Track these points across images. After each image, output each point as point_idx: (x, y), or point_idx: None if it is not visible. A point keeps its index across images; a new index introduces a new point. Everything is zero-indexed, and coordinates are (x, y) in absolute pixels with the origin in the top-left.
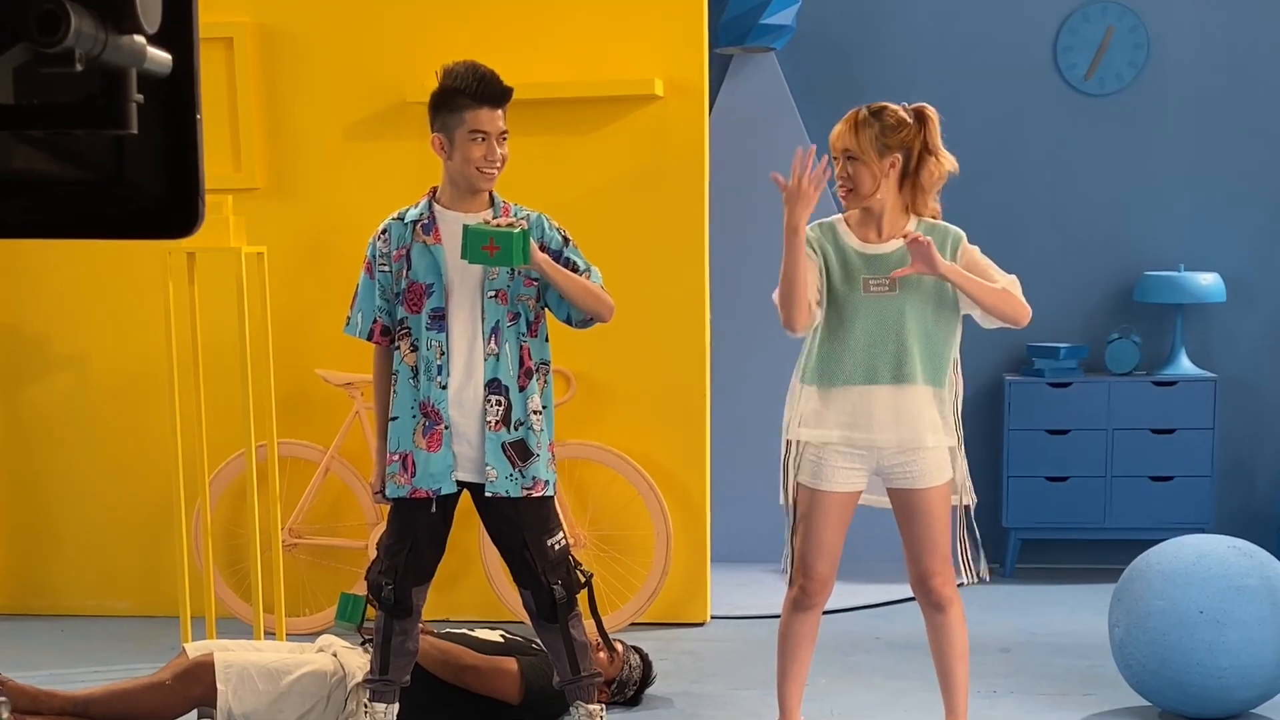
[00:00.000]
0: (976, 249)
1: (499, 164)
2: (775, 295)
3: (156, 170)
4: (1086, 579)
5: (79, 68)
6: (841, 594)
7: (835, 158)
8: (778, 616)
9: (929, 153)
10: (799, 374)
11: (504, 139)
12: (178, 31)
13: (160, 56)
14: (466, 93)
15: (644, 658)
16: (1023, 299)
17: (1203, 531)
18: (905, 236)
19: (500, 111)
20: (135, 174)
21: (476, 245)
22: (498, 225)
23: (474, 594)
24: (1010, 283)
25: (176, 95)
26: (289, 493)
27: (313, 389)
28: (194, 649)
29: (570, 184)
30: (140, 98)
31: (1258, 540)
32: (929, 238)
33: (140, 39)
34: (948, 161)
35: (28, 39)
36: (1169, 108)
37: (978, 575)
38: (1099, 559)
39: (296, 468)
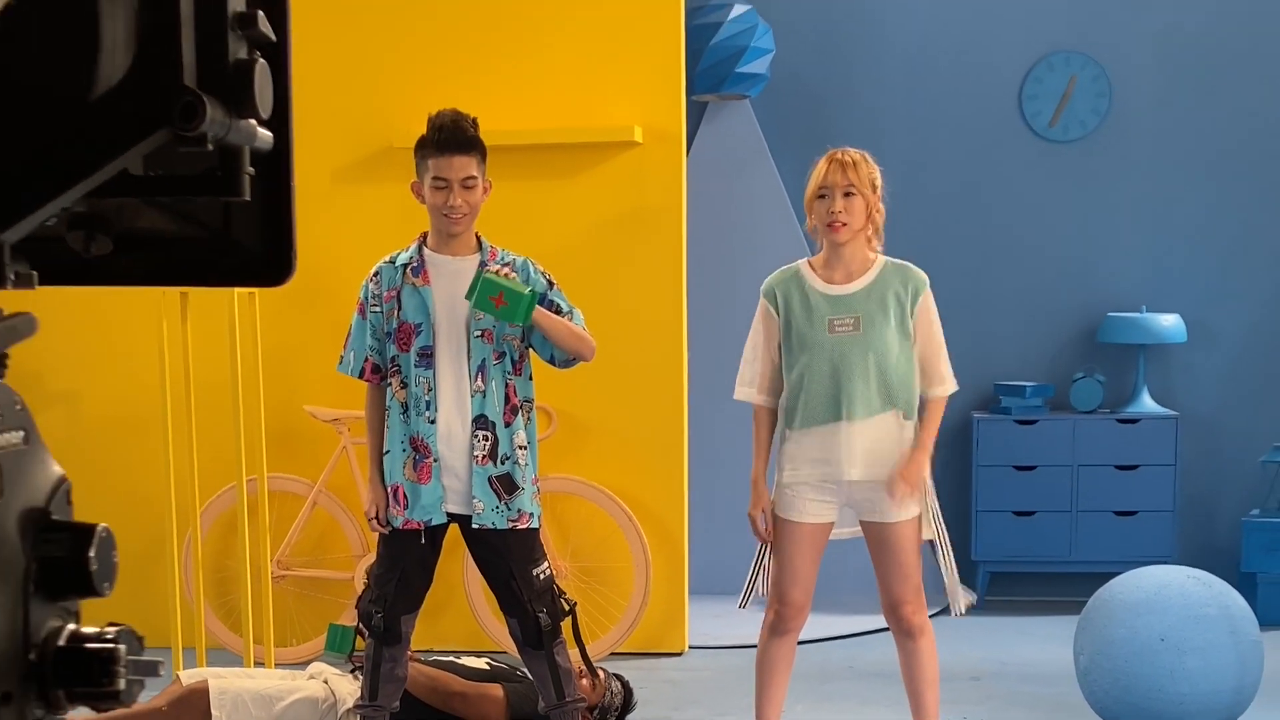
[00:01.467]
0: (934, 307)
1: (461, 210)
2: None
3: (257, 228)
4: (1053, 610)
5: (210, 148)
6: (816, 625)
7: (823, 195)
8: (754, 647)
9: (877, 194)
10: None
11: (469, 185)
12: (280, 114)
13: (266, 135)
14: (430, 142)
15: (625, 685)
16: (948, 387)
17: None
18: (892, 495)
19: (465, 159)
20: (239, 232)
21: (486, 294)
22: (512, 280)
23: (458, 624)
24: (941, 385)
25: (275, 167)
26: (277, 525)
27: (301, 425)
28: (188, 676)
29: (554, 226)
30: (252, 170)
31: (1218, 573)
32: (908, 485)
33: (254, 122)
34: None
35: (169, 125)
36: (1130, 154)
37: (960, 610)
38: (1065, 591)
39: (285, 501)
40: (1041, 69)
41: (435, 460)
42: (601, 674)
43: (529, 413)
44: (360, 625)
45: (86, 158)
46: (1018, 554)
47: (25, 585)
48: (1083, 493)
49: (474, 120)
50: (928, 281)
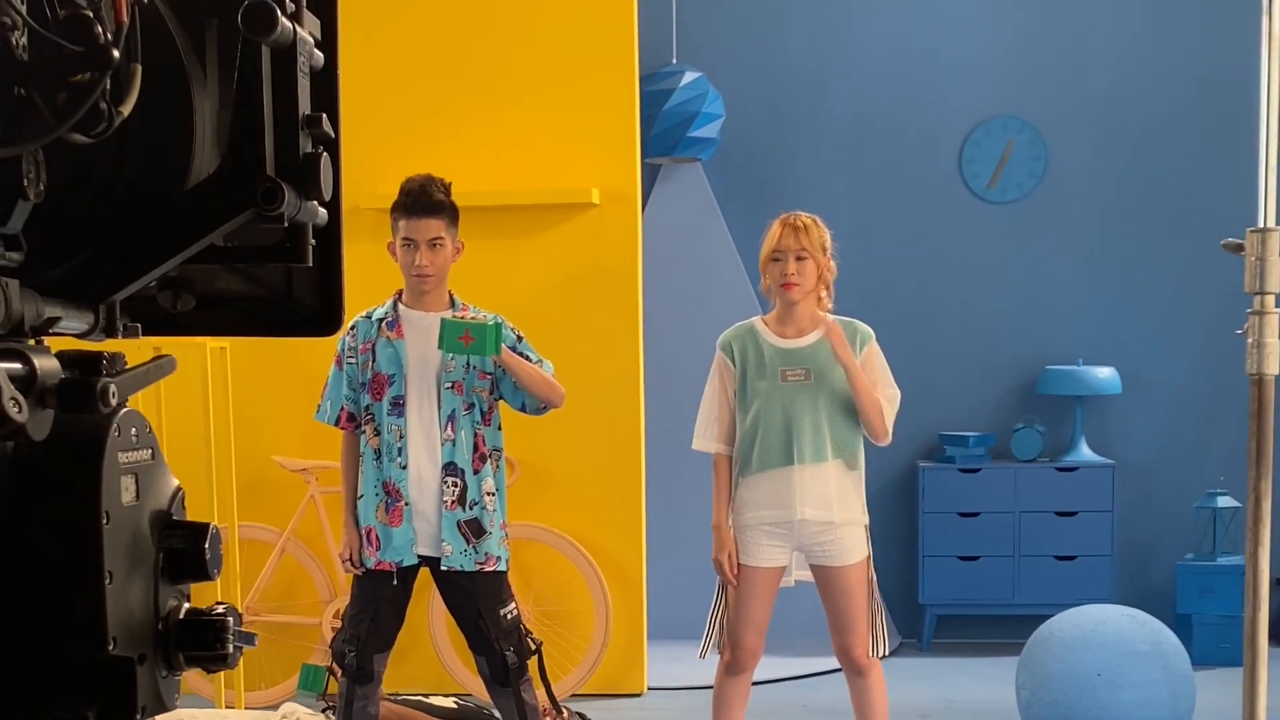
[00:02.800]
0: (880, 352)
1: (428, 270)
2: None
3: (313, 289)
4: (997, 651)
5: (285, 224)
6: (772, 666)
7: (777, 258)
8: (710, 688)
9: (827, 255)
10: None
11: (436, 245)
12: (334, 196)
13: (323, 213)
14: (401, 204)
15: None
16: (888, 422)
17: None
18: (824, 325)
19: (432, 221)
20: (299, 291)
21: (453, 336)
22: (471, 318)
23: (424, 667)
24: (888, 400)
25: (329, 238)
26: (246, 572)
27: (270, 474)
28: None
29: (518, 282)
30: (314, 242)
31: (1155, 614)
32: (839, 327)
33: (316, 203)
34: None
35: (254, 207)
36: (1066, 214)
37: (883, 649)
38: (1008, 633)
39: (254, 549)
40: (980, 133)
41: (406, 504)
42: (566, 712)
43: (497, 461)
44: (333, 665)
45: (185, 235)
46: (963, 597)
47: (155, 571)
48: (1024, 538)
49: (446, 185)
50: (873, 334)
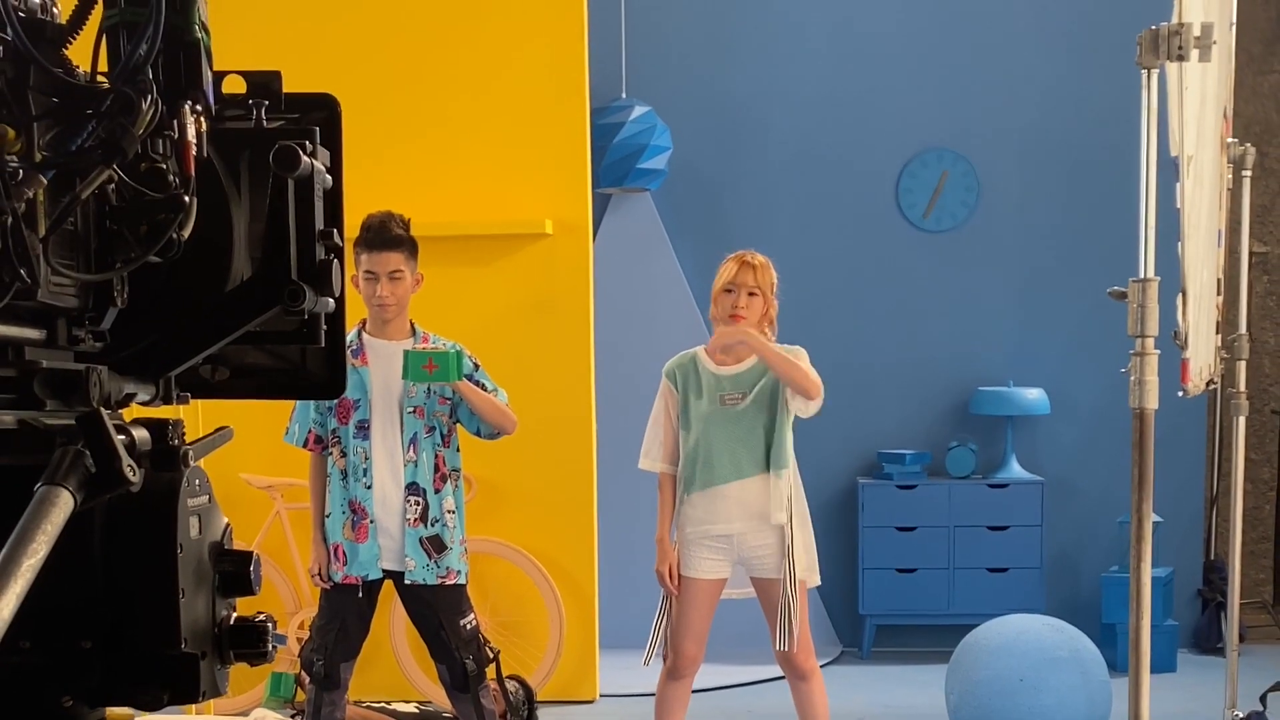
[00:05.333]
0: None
1: (388, 300)
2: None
3: (322, 361)
4: (932, 660)
5: (305, 317)
6: (717, 674)
7: (729, 290)
8: None
9: (773, 294)
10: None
11: (396, 277)
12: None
13: (332, 303)
14: (362, 239)
15: (524, 684)
16: (810, 368)
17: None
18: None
19: (391, 254)
20: (311, 363)
21: (417, 365)
22: (432, 348)
23: (385, 675)
24: (797, 354)
25: (335, 320)
26: None
27: (236, 491)
28: None
29: (473, 310)
30: (325, 326)
31: (1082, 623)
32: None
33: (329, 298)
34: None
35: (281, 304)
36: (997, 242)
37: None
38: (943, 642)
39: None
40: (916, 165)
41: (371, 522)
42: (511, 685)
43: (457, 480)
44: (301, 672)
45: (228, 325)
46: (900, 608)
47: (213, 588)
48: (958, 551)
49: (405, 220)
50: (805, 352)
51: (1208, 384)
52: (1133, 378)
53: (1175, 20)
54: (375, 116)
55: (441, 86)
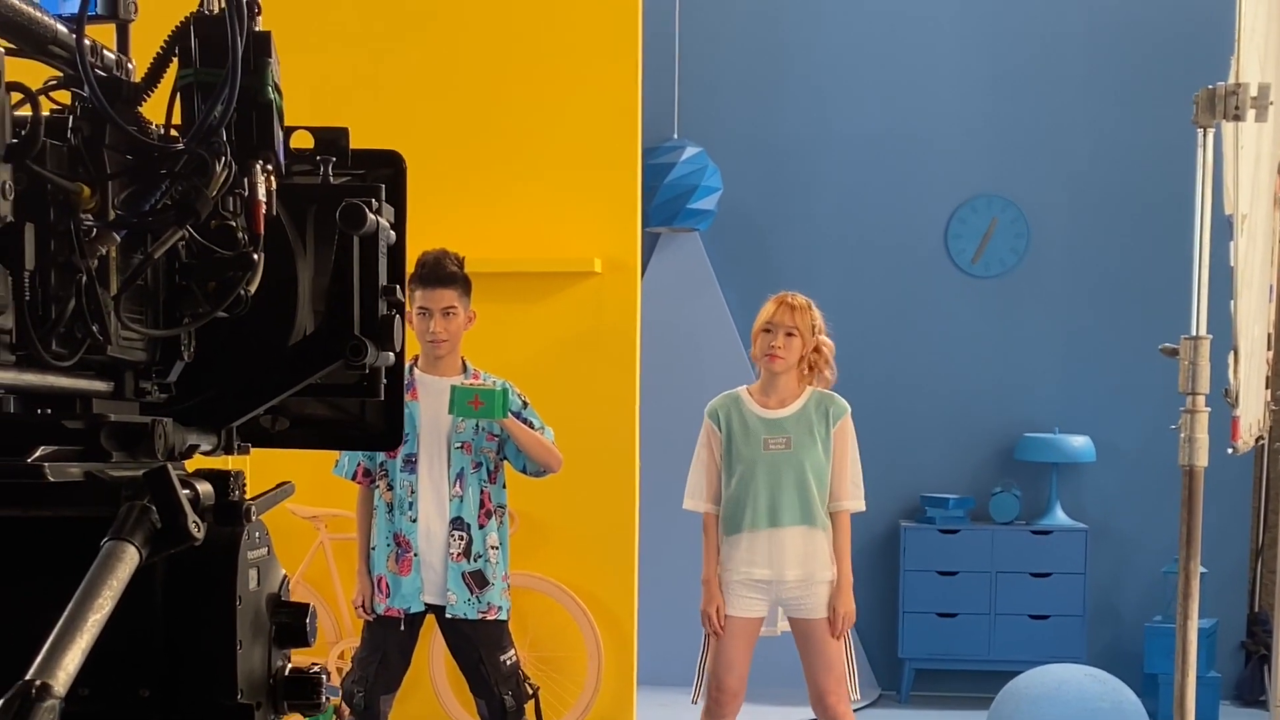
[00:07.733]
0: (852, 428)
1: (442, 336)
2: (693, 508)
3: (380, 413)
4: (971, 705)
5: (366, 371)
6: (751, 716)
7: (768, 330)
8: None
9: (819, 335)
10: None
11: (450, 314)
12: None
13: (393, 357)
14: (417, 275)
15: None
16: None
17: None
18: (834, 631)
19: (445, 291)
20: (370, 415)
21: (464, 400)
22: (481, 385)
23: (424, 709)
24: (852, 494)
25: (394, 374)
26: None
27: (282, 521)
28: None
29: (521, 346)
30: (385, 380)
31: (1123, 673)
32: (844, 616)
33: (390, 353)
34: (828, 344)
35: (342, 358)
36: (1046, 288)
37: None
38: (983, 688)
39: None
40: (965, 211)
41: (415, 555)
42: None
43: (501, 517)
44: (341, 704)
45: (291, 378)
46: (940, 652)
47: (269, 639)
48: (1000, 597)
49: (459, 258)
50: (849, 410)
51: (1257, 440)
52: (1183, 435)
53: (1232, 80)
54: (431, 155)
55: (497, 127)
